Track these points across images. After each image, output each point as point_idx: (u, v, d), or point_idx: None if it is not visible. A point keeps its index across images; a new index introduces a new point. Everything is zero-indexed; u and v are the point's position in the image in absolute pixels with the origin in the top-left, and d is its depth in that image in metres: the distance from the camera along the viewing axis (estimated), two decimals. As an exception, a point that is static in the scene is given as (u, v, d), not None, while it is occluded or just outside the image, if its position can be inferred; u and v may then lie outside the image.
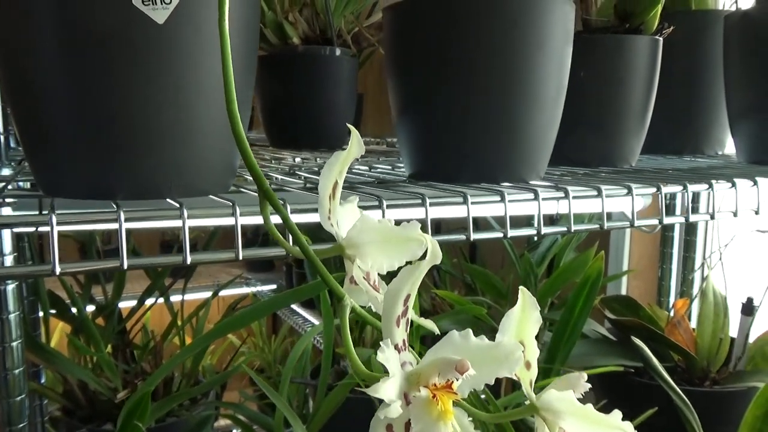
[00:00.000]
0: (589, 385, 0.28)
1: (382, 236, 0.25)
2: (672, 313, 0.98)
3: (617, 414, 0.26)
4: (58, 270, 0.31)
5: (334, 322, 0.73)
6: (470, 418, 0.24)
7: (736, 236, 1.01)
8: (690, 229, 1.10)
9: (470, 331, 0.22)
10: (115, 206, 0.33)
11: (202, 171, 0.38)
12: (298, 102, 0.94)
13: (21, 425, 0.65)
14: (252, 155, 0.24)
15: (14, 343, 0.63)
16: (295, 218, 0.39)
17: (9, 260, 0.50)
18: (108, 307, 0.94)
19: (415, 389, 0.22)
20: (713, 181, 0.54)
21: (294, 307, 1.99)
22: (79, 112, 0.35)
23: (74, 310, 0.92)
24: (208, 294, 1.13)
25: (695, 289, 1.10)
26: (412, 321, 0.29)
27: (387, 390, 0.20)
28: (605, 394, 0.92)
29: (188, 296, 1.14)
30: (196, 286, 1.93)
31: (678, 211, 1.07)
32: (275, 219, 0.27)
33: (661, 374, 0.76)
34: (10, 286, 0.62)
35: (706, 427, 0.76)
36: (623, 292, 1.33)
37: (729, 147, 0.88)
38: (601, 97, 0.64)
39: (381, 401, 0.21)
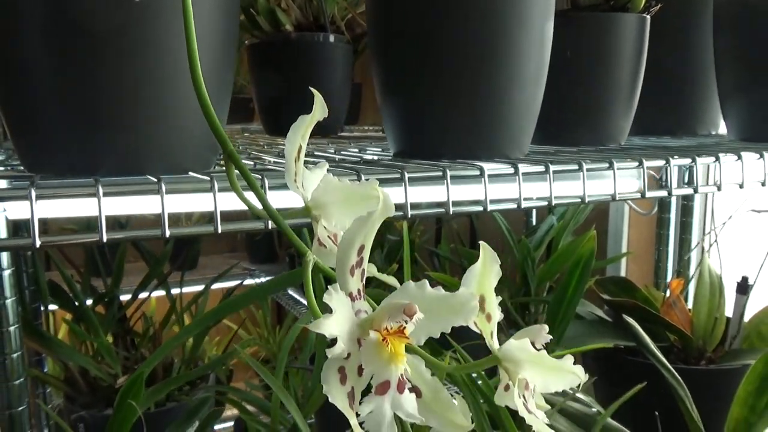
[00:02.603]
0: (550, 337, 0.28)
1: (344, 195, 0.26)
2: (668, 293, 0.98)
3: (569, 358, 0.27)
4: (38, 243, 0.31)
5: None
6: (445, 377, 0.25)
7: (732, 216, 1.01)
8: (686, 210, 1.10)
9: (426, 282, 0.23)
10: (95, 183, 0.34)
11: (183, 148, 0.39)
12: (292, 89, 0.95)
13: (20, 408, 0.66)
14: (214, 114, 0.25)
15: (11, 328, 0.64)
16: (276, 196, 0.40)
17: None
18: (107, 296, 0.96)
19: (367, 335, 0.23)
20: (697, 156, 0.54)
21: (297, 297, 2.00)
22: (58, 89, 0.36)
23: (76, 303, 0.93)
24: (213, 286, 1.14)
25: (692, 270, 1.10)
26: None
27: (330, 325, 0.21)
28: (600, 373, 0.92)
29: (192, 288, 1.15)
30: (200, 278, 1.95)
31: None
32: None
33: (652, 351, 0.76)
34: (6, 272, 0.63)
35: (703, 404, 0.77)
36: (622, 275, 1.34)
37: (724, 128, 0.88)
38: (588, 76, 0.64)
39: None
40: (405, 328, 0.22)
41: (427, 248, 1.49)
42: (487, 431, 0.71)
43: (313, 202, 0.27)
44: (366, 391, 0.23)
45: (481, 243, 0.27)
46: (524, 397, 0.27)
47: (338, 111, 1.02)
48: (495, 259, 0.27)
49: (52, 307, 0.98)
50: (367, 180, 0.41)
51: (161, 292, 1.06)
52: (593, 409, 0.79)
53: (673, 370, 0.75)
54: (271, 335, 1.96)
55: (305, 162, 0.30)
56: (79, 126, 0.36)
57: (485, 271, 0.26)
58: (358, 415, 0.22)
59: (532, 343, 0.27)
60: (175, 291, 1.05)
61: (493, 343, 0.27)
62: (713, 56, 0.77)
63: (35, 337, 0.85)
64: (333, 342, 0.22)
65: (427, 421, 0.24)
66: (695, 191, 0.54)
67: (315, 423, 1.17)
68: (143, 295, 1.00)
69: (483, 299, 0.26)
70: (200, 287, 1.11)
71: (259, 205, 0.28)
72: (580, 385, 0.28)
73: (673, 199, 1.11)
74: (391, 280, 0.28)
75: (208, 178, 0.36)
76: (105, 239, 0.33)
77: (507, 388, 0.28)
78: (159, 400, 0.87)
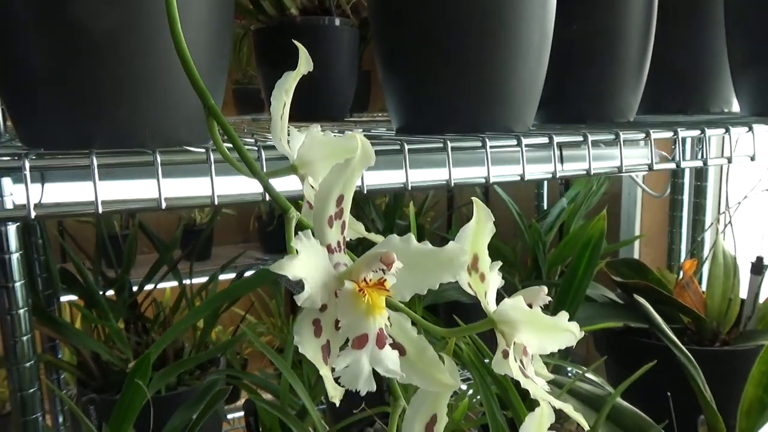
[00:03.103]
0: (549, 298, 0.28)
1: (329, 150, 0.25)
2: (680, 275, 0.97)
3: (564, 315, 0.26)
4: (33, 214, 0.31)
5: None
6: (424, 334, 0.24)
7: (746, 196, 0.99)
8: (699, 191, 1.08)
9: (412, 235, 0.22)
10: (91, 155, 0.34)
11: (180, 121, 0.39)
12: (297, 72, 0.94)
13: (32, 390, 0.66)
14: (192, 63, 0.25)
15: (21, 311, 0.64)
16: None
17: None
18: (118, 282, 0.96)
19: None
20: (706, 128, 0.53)
21: (310, 286, 2.00)
22: (53, 64, 0.35)
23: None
24: (226, 276, 1.15)
25: (705, 252, 1.09)
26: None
27: (293, 266, 0.20)
28: (612, 356, 0.92)
29: (205, 279, 1.16)
30: (213, 269, 1.96)
31: (680, 175, 1.05)
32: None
33: (663, 331, 0.75)
34: (15, 255, 0.63)
35: (718, 386, 0.76)
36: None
37: (737, 106, 0.87)
38: (594, 50, 0.63)
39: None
40: (385, 280, 0.22)
41: (438, 234, 1.48)
42: (497, 413, 0.71)
43: (299, 160, 0.26)
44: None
45: (474, 199, 0.26)
46: (522, 363, 0.26)
47: (345, 96, 1.02)
48: (489, 217, 0.26)
49: (66, 298, 0.98)
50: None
51: (175, 283, 1.07)
52: (604, 391, 0.78)
53: (685, 350, 0.73)
54: (285, 325, 1.97)
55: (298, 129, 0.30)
56: (74, 101, 0.36)
57: (479, 229, 0.26)
58: (333, 370, 0.21)
59: (530, 305, 0.26)
60: (187, 282, 1.06)
61: (488, 304, 0.27)
62: (725, 31, 0.76)
63: (48, 322, 0.86)
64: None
65: (410, 379, 0.23)
66: (705, 164, 0.53)
67: (326, 409, 1.17)
68: (153, 282, 1.00)
69: (476, 258, 0.26)
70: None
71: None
72: (574, 345, 0.27)
73: (686, 180, 1.10)
74: (379, 239, 0.28)
75: (204, 150, 0.36)
76: (101, 210, 0.33)
77: (505, 355, 0.27)
78: (170, 384, 0.88)
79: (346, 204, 0.23)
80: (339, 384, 0.22)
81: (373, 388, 0.21)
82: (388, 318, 0.22)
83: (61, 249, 1.34)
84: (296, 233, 0.23)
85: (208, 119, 0.25)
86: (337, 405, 0.22)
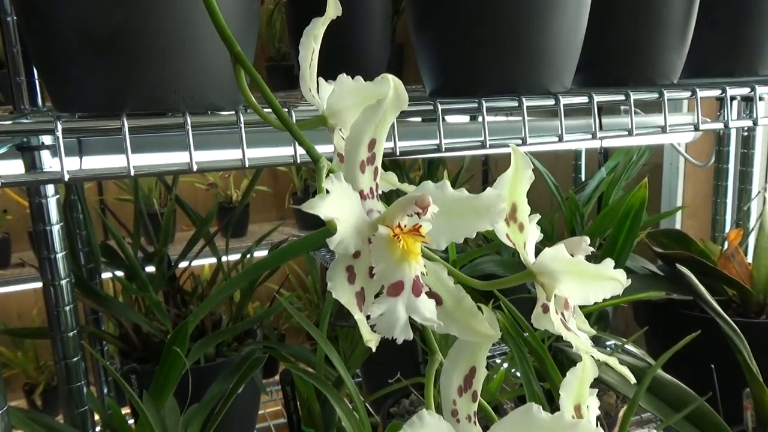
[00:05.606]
0: (592, 249, 0.26)
1: (361, 97, 0.24)
2: (725, 245, 0.93)
3: (609, 262, 0.25)
4: (66, 176, 0.31)
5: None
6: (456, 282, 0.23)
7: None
8: (745, 159, 1.04)
9: (447, 182, 0.21)
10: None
11: (210, 85, 0.38)
12: (328, 43, 0.93)
13: (75, 359, 0.68)
14: (220, 14, 0.24)
15: (63, 282, 0.66)
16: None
17: (22, 170, 0.52)
18: (157, 255, 0.98)
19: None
20: (756, 85, 0.50)
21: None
22: (85, 25, 0.35)
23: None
24: (261, 252, 1.16)
25: (752, 222, 1.05)
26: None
27: (324, 206, 0.20)
28: (654, 328, 0.89)
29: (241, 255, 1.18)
30: (250, 245, 1.99)
31: (726, 143, 1.02)
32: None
33: (707, 301, 0.73)
34: (56, 227, 0.65)
35: (763, 359, 0.73)
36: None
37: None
38: (636, 7, 0.60)
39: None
40: (420, 226, 0.21)
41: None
42: (534, 383, 0.70)
43: (329, 110, 0.26)
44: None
45: (511, 145, 0.25)
46: (563, 316, 0.25)
47: (378, 67, 1.00)
48: (527, 164, 0.25)
49: (107, 274, 1.01)
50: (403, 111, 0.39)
51: (213, 260, 1.08)
52: (644, 363, 0.76)
53: (731, 321, 0.71)
54: (320, 301, 1.99)
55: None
56: (105, 65, 0.36)
57: (517, 176, 0.24)
58: (368, 318, 0.21)
59: (571, 255, 0.25)
60: (224, 258, 1.07)
61: (527, 255, 0.25)
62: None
63: (90, 295, 0.88)
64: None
65: (448, 329, 0.23)
66: (755, 123, 0.51)
67: (362, 381, 1.18)
68: (190, 257, 1.02)
69: (515, 207, 0.25)
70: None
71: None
72: (620, 293, 0.26)
73: (732, 148, 1.06)
74: (406, 188, 0.27)
75: (233, 112, 0.35)
76: (132, 173, 0.33)
77: (545, 309, 0.26)
78: (209, 355, 0.89)
79: (378, 149, 0.22)
80: (375, 332, 0.21)
81: (410, 336, 0.21)
82: (424, 266, 0.22)
83: (103, 226, 1.38)
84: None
85: (234, 68, 0.25)
86: (373, 350, 0.21)
